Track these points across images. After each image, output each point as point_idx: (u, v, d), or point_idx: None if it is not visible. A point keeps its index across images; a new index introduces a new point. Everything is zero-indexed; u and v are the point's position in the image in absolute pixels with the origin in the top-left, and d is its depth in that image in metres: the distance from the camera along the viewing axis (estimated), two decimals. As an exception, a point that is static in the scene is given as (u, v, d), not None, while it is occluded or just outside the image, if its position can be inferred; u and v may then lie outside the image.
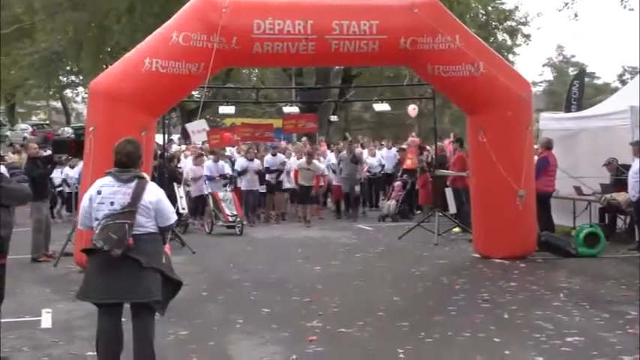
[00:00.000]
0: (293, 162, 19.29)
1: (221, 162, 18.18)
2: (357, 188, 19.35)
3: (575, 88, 16.33)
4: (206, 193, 17.09)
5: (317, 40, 11.36)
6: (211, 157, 18.44)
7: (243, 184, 18.36)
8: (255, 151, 19.51)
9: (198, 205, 18.03)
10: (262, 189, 18.74)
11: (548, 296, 9.24)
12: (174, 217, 5.99)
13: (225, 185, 17.56)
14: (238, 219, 16.15)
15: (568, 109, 17.53)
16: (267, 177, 18.74)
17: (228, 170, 18.23)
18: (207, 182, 17.26)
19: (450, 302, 8.94)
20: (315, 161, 18.79)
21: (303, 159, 18.61)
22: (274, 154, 18.99)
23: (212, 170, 17.66)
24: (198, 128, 18.10)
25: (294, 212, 19.43)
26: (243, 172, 18.21)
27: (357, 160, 18.87)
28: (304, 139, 24.95)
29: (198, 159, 18.02)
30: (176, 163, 17.33)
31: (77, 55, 31.19)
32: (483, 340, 7.21)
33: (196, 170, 17.83)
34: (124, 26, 27.17)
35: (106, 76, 11.56)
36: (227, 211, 16.21)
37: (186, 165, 18.34)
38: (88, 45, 29.58)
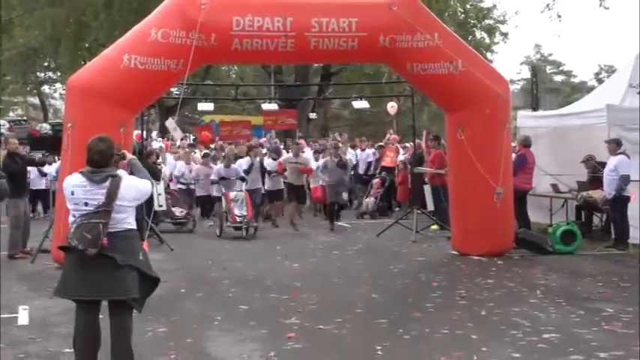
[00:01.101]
0: (270, 163, 17.72)
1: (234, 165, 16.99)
2: (345, 195, 17.73)
3: (533, 86, 16.49)
4: (216, 194, 16.84)
5: (296, 38, 11.36)
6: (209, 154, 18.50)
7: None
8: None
9: (204, 204, 18.04)
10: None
11: (525, 293, 9.31)
12: (149, 191, 6.01)
13: (243, 182, 16.52)
14: (246, 220, 15.24)
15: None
16: (267, 182, 17.56)
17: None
18: (220, 184, 16.48)
19: (428, 299, 8.98)
20: (303, 154, 18.15)
21: (289, 153, 17.87)
22: (274, 159, 17.70)
23: (228, 172, 16.62)
24: (174, 125, 18.06)
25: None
26: (248, 171, 16.83)
27: (344, 165, 16.96)
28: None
29: (205, 159, 17.96)
30: (154, 159, 17.23)
31: (55, 51, 31.00)
32: (461, 336, 7.25)
33: (202, 170, 17.88)
34: (102, 22, 27.01)
35: (84, 73, 11.51)
36: (235, 211, 15.39)
37: (173, 164, 18.61)
38: (66, 41, 29.38)
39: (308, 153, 19.93)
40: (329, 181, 16.81)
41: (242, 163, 17.15)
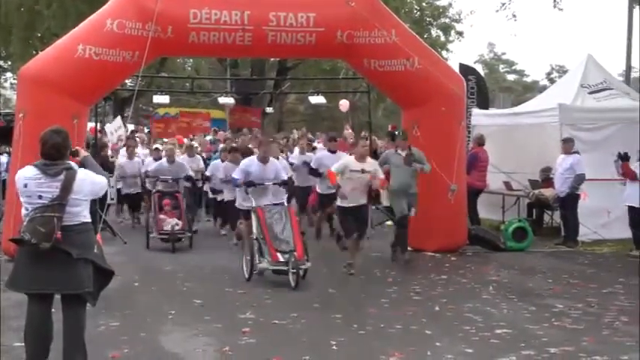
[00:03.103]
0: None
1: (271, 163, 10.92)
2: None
3: (473, 83, 16.68)
4: (245, 205, 10.68)
5: (254, 31, 11.34)
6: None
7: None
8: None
9: (228, 213, 13.34)
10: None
11: (478, 289, 9.42)
12: (105, 186, 5.94)
13: (288, 196, 11.31)
14: (293, 259, 9.34)
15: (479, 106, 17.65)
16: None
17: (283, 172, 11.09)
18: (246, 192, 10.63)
19: (383, 295, 9.03)
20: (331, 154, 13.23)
21: (351, 157, 10.95)
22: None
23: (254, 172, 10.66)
24: (115, 127, 17.92)
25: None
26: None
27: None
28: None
29: (233, 154, 13.13)
30: (107, 152, 17.03)
31: (6, 40, 30.35)
32: (415, 332, 7.31)
33: (228, 168, 12.86)
34: (54, 11, 26.57)
35: (37, 62, 11.33)
36: (277, 245, 9.54)
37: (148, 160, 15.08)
38: (18, 30, 28.82)
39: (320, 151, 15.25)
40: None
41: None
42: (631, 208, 12.13)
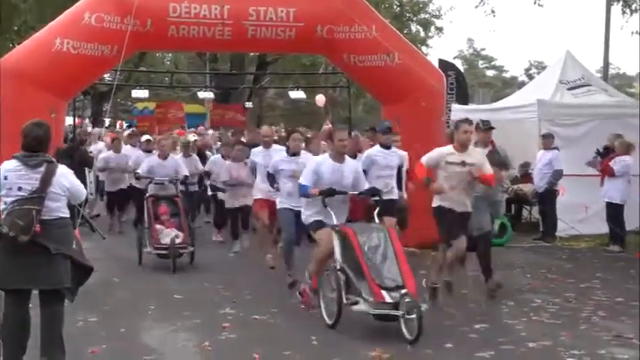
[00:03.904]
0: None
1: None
2: None
3: (452, 79, 16.75)
4: (314, 220, 7.96)
5: (233, 26, 11.31)
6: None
7: None
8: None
9: (236, 220, 11.60)
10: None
11: (456, 284, 9.43)
12: (84, 192, 5.95)
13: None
14: (408, 300, 6.84)
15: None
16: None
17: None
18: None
19: (362, 289, 9.01)
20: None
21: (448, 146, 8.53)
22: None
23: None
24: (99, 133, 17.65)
25: None
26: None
27: None
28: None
29: (238, 151, 11.46)
30: (87, 146, 16.87)
31: (-18, 33, 30.06)
32: (394, 327, 7.28)
33: (235, 170, 11.32)
34: (31, 4, 26.32)
35: (15, 55, 11.24)
36: (380, 280, 7.01)
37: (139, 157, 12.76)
38: (-7, 23, 28.56)
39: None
40: None
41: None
42: (609, 204, 12.24)
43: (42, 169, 5.53)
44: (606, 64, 19.97)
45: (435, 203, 8.31)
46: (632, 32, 17.60)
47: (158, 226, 10.60)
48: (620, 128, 13.04)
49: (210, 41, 11.68)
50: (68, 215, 5.71)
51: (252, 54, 31.72)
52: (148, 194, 11.08)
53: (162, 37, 11.35)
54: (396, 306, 6.79)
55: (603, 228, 12.58)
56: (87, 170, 15.46)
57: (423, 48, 33.38)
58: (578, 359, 6.39)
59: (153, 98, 28.39)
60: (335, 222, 7.58)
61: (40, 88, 10.56)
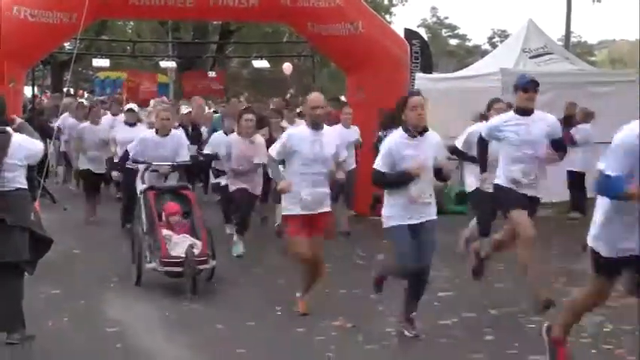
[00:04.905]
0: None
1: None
2: None
3: (417, 47, 16.73)
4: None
5: (195, -6, 11.16)
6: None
7: None
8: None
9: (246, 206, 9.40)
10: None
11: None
12: (41, 147, 5.83)
13: None
14: None
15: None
16: None
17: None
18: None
19: (327, 259, 8.90)
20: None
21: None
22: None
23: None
24: None
25: None
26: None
27: None
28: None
29: (247, 121, 9.25)
30: (45, 117, 16.57)
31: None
32: (359, 296, 7.35)
33: (248, 150, 9.23)
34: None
35: (-30, 24, 10.96)
36: None
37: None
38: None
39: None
40: None
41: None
42: (570, 172, 12.36)
43: (-4, 139, 5.41)
44: (568, 33, 20.13)
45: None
46: (594, 1, 17.74)
47: (165, 232, 7.78)
48: (581, 96, 13.13)
49: (172, 9, 11.53)
50: (26, 186, 5.61)
51: (215, 22, 31.39)
52: (145, 186, 8.35)
53: (123, 4, 11.20)
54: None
55: (564, 195, 12.70)
56: (48, 141, 15.12)
57: (387, 16, 33.29)
58: (537, 325, 6.47)
59: (115, 67, 28.00)
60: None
61: (-3, 56, 10.36)
